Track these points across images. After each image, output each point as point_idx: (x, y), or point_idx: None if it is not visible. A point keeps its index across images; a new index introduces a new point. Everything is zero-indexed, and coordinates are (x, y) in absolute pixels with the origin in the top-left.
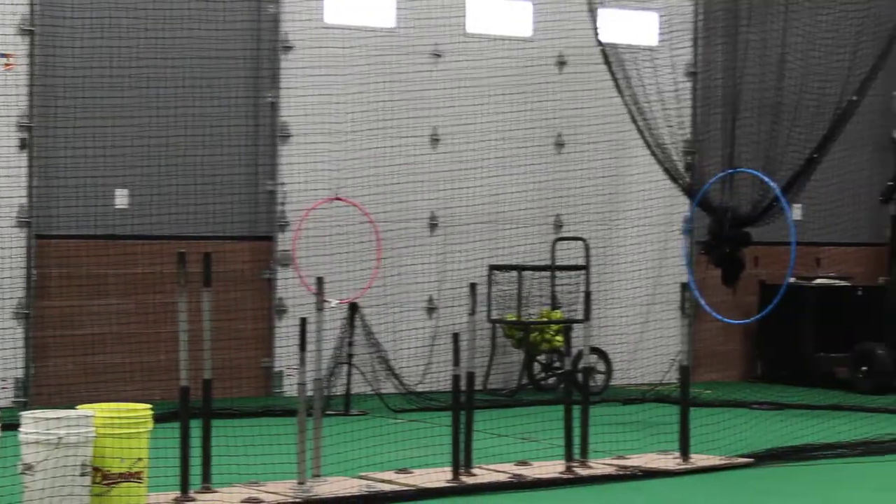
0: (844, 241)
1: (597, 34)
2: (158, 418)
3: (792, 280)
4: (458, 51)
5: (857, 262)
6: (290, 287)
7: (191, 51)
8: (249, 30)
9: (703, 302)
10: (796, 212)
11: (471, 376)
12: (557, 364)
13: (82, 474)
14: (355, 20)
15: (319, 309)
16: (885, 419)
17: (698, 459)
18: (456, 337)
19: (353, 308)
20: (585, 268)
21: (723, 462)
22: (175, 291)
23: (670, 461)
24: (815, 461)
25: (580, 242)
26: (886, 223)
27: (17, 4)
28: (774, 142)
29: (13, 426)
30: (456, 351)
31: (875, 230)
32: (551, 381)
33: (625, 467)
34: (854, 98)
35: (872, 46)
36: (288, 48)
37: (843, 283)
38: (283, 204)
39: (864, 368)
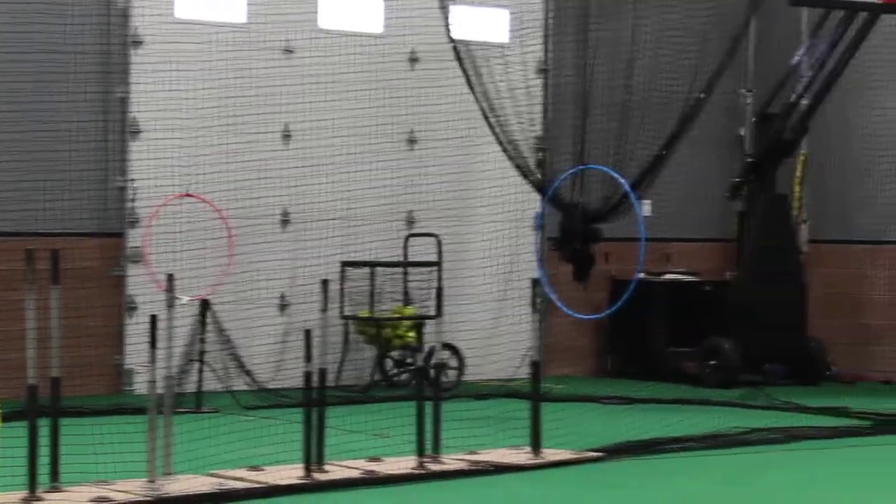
0: (693, 238)
1: (448, 31)
2: (6, 417)
3: (641, 276)
4: (310, 47)
5: (706, 258)
6: (141, 284)
7: (39, 45)
8: (99, 24)
9: (554, 297)
10: (645, 208)
11: (323, 373)
12: (410, 360)
13: None
14: (206, 15)
15: (170, 306)
16: (731, 413)
17: (549, 454)
18: (308, 333)
19: (205, 305)
20: (438, 264)
21: (573, 456)
22: (23, 289)
23: (522, 456)
24: (664, 454)
25: (433, 239)
26: (734, 219)
27: None
28: (624, 139)
29: None
30: (308, 347)
31: (723, 226)
32: (404, 377)
33: (476, 462)
34: (701, 96)
35: (719, 45)
36: (138, 43)
37: (691, 278)
38: (133, 200)
39: (711, 363)
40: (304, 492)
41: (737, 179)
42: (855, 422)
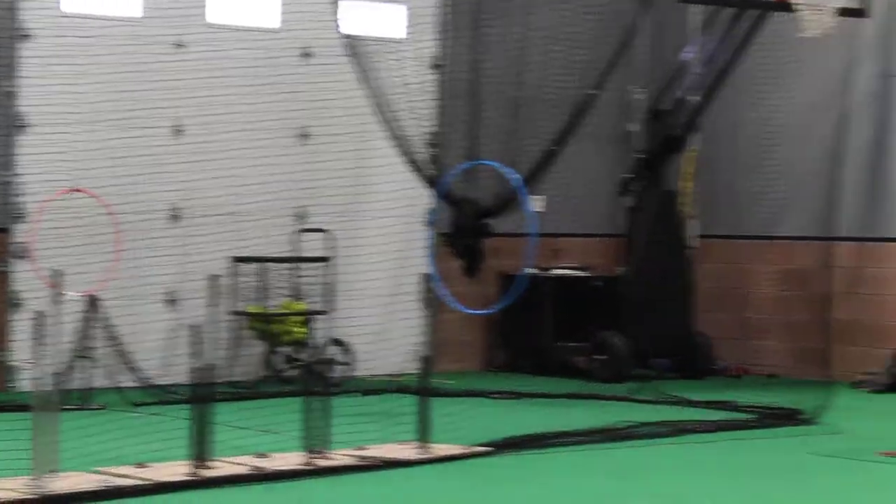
0: (583, 233)
1: (340, 26)
2: None
3: (532, 271)
4: (202, 41)
5: (596, 254)
6: (27, 280)
7: None
8: None
9: (444, 293)
10: (539, 204)
11: (211, 369)
12: (299, 356)
13: None
14: (96, 9)
15: (56, 302)
16: (620, 406)
17: (438, 449)
18: (196, 329)
19: (92, 301)
20: (328, 259)
21: (462, 451)
22: None
23: (410, 451)
24: (553, 449)
25: (324, 234)
26: (624, 215)
27: None
28: (516, 134)
29: None
30: (196, 343)
31: (613, 222)
32: (293, 372)
33: (364, 458)
34: (592, 92)
35: (610, 41)
36: (26, 37)
37: (581, 273)
38: (19, 195)
39: (601, 357)
40: (190, 489)
41: (627, 175)
42: (740, 415)
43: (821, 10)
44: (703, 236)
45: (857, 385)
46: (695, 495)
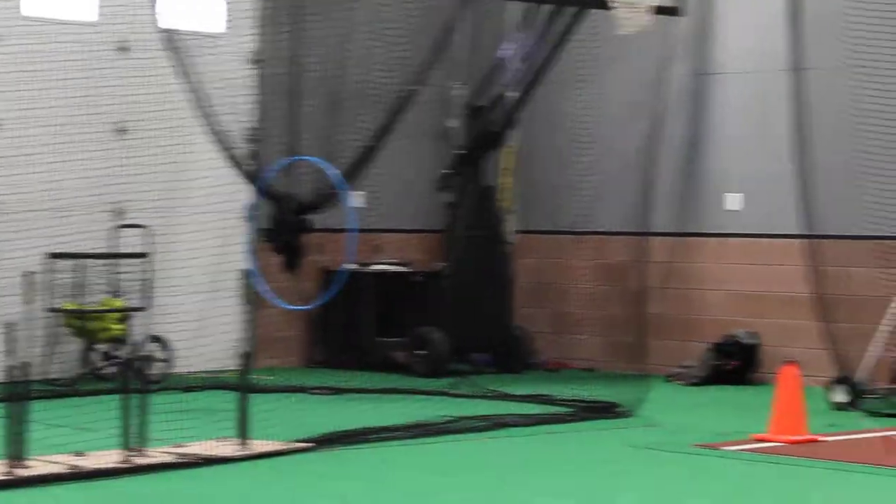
0: (404, 228)
1: (159, 20)
2: None
3: (352, 266)
4: (19, 34)
5: (416, 249)
6: None
7: None
8: None
9: (264, 288)
10: (356, 199)
11: (26, 366)
12: (117, 353)
13: None
14: None
15: None
16: (440, 401)
17: (258, 445)
18: (11, 326)
19: None
20: (146, 255)
21: (282, 447)
22: None
23: (229, 448)
24: (373, 444)
25: (142, 229)
26: (443, 210)
27: None
28: (336, 130)
29: None
30: (11, 341)
31: (432, 217)
32: (111, 370)
33: (183, 455)
34: (412, 88)
35: (431, 37)
36: None
37: (401, 269)
38: None
39: (420, 352)
40: (4, 489)
41: (446, 171)
42: (558, 409)
43: (636, 8)
44: (521, 231)
45: (672, 378)
46: (512, 489)
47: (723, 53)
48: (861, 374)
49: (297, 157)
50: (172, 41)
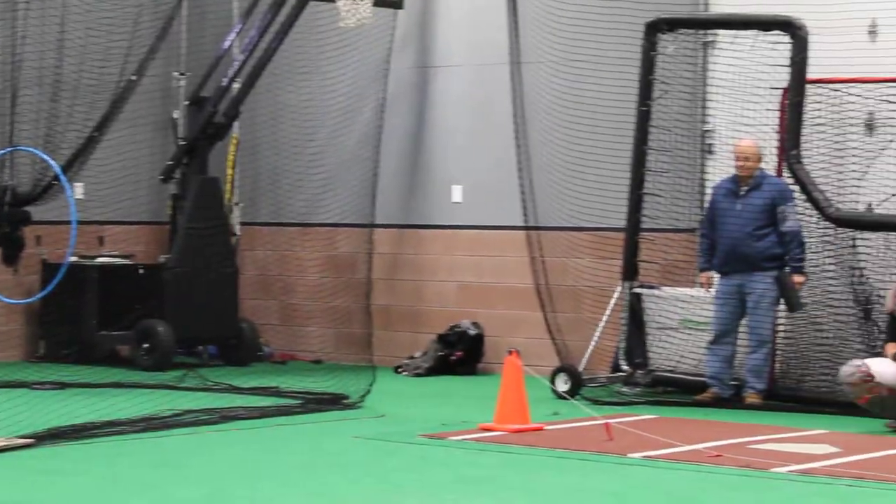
0: (127, 220)
1: None
2: None
3: (73, 259)
4: None
5: (140, 241)
6: None
7: None
8: None
9: None
10: (78, 190)
11: None
12: None
13: None
14: None
15: None
16: (165, 395)
17: None
18: None
19: None
20: None
21: (3, 444)
22: None
23: None
24: (99, 439)
25: None
26: (168, 202)
27: None
28: (55, 120)
29: None
30: None
31: (156, 209)
32: None
33: None
34: (133, 77)
35: (152, 27)
36: None
37: (125, 261)
38: None
39: (145, 346)
40: None
41: (170, 162)
42: (285, 401)
43: (357, 1)
44: (246, 223)
45: (399, 369)
46: (236, 481)
47: (444, 46)
48: (582, 363)
49: (15, 148)
50: None
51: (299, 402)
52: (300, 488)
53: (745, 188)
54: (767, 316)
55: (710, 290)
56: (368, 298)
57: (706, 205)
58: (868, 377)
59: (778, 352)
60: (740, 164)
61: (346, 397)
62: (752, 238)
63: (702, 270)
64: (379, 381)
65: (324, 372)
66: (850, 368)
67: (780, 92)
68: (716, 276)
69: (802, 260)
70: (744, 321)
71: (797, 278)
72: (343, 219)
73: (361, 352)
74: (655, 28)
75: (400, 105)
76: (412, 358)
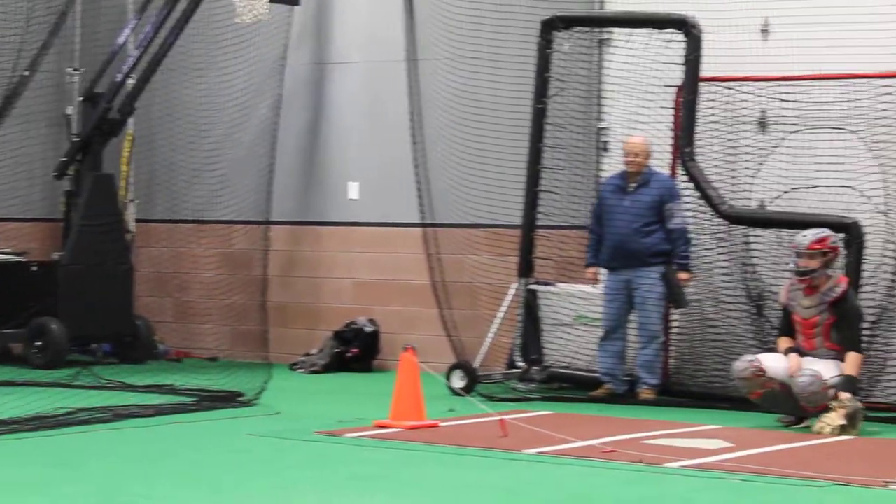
0: (20, 217)
1: None
2: None
3: None
4: None
5: (32, 238)
6: None
7: None
8: None
9: None
10: None
11: None
12: None
13: None
14: None
15: None
16: (58, 393)
17: None
18: None
19: None
20: None
21: None
22: None
23: None
24: None
25: None
26: (61, 198)
27: None
28: None
29: None
30: None
31: (50, 206)
32: None
33: None
34: (26, 73)
35: (45, 21)
36: None
37: (18, 258)
38: None
39: (38, 344)
40: None
41: (64, 159)
42: (180, 398)
43: None
44: (141, 220)
45: (295, 367)
46: (130, 479)
47: (341, 43)
48: (478, 359)
49: None
50: None
51: (194, 399)
52: (195, 487)
53: (634, 185)
54: (656, 311)
55: (595, 285)
56: (264, 295)
57: (594, 200)
58: (760, 372)
59: (671, 347)
60: (629, 160)
61: (242, 395)
62: (639, 234)
63: (588, 265)
64: (275, 379)
65: (219, 369)
66: (742, 364)
67: (674, 90)
68: (602, 272)
69: (688, 257)
70: (633, 317)
71: (683, 275)
72: (239, 215)
73: (257, 349)
74: (551, 26)
75: (296, 101)
76: (308, 355)
